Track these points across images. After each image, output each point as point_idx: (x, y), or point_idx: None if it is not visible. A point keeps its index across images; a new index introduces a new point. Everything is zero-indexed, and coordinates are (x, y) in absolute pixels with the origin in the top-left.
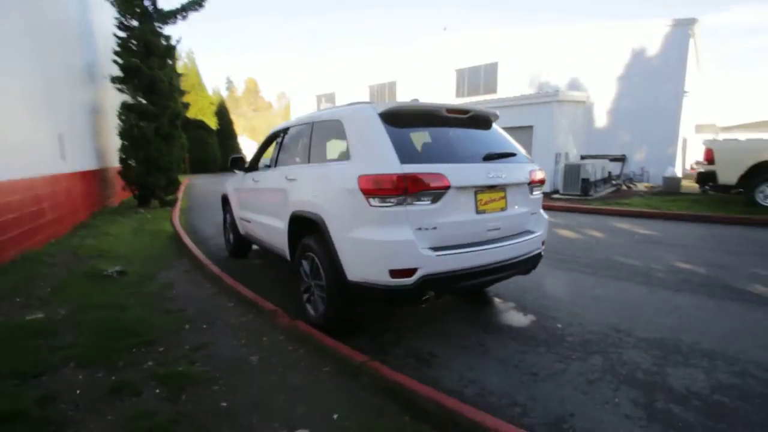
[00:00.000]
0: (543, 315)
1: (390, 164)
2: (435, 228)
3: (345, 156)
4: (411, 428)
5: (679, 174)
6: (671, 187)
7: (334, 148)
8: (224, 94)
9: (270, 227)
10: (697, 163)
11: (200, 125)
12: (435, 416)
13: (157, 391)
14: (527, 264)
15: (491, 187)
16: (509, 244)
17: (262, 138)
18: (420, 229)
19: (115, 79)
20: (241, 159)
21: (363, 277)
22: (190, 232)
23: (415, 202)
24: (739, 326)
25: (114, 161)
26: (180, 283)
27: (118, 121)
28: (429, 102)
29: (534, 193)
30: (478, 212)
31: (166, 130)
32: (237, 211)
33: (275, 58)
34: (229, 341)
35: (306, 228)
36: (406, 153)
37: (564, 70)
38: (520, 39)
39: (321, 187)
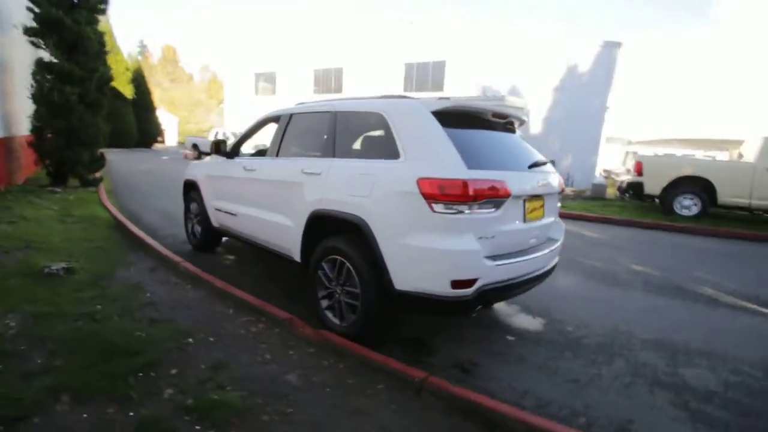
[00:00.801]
0: (549, 317)
1: (457, 168)
2: (494, 237)
3: (390, 154)
4: None
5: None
6: (599, 192)
7: (368, 143)
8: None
9: (270, 223)
10: (606, 170)
11: (114, 93)
12: None
13: (198, 427)
14: (552, 271)
15: (536, 196)
16: (545, 253)
17: (183, 112)
18: (481, 237)
19: (28, 31)
20: (225, 143)
21: (416, 286)
22: (132, 221)
23: (479, 210)
24: (711, 327)
25: (22, 129)
26: (151, 285)
27: (32, 82)
28: (476, 103)
29: (558, 201)
30: (525, 221)
31: (92, 98)
32: (211, 201)
33: (198, 26)
34: (250, 358)
35: (332, 229)
36: (467, 157)
37: (506, 75)
38: (468, 40)
39: (362, 186)
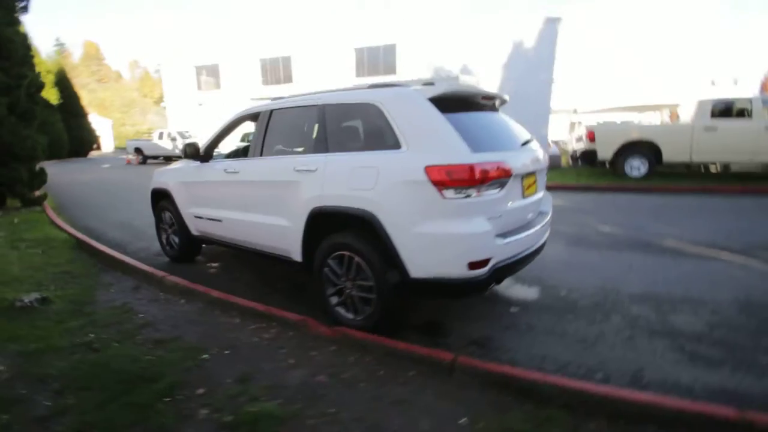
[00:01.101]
0: (542, 285)
1: (461, 153)
2: (500, 216)
3: (390, 144)
4: (545, 415)
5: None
6: (554, 162)
7: (364, 135)
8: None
9: (263, 226)
10: (554, 141)
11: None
12: (558, 398)
13: None
14: (545, 243)
15: (530, 173)
16: (542, 225)
17: (116, 114)
18: (491, 218)
19: None
20: (196, 146)
21: (433, 272)
22: (93, 239)
23: (487, 192)
24: (684, 276)
25: None
26: (140, 304)
27: None
28: (466, 86)
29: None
30: (524, 197)
31: (23, 107)
32: (189, 209)
33: (121, 19)
34: (274, 365)
35: (335, 225)
36: (469, 141)
37: (457, 56)
38: (417, 22)
39: (365, 180)
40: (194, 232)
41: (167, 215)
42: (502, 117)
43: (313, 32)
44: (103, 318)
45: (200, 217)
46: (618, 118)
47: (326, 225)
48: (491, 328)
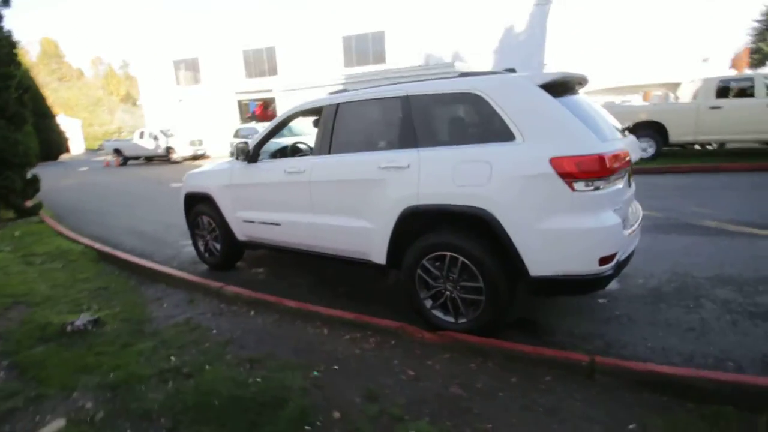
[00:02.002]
0: None
1: (590, 143)
2: (620, 208)
3: (501, 136)
4: (712, 412)
5: None
6: None
7: (464, 126)
8: None
9: (336, 228)
10: None
11: None
12: (716, 393)
13: None
14: None
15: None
16: (640, 217)
17: (83, 114)
18: (615, 210)
19: None
20: (248, 147)
21: (558, 270)
22: (113, 248)
23: (614, 183)
24: (742, 255)
25: None
26: (206, 320)
27: None
28: (567, 72)
29: None
30: (629, 188)
31: (12, 110)
32: (237, 213)
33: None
34: (394, 378)
35: (429, 225)
36: (590, 129)
37: (448, 42)
38: (406, 8)
39: (476, 175)
40: (241, 237)
41: (205, 220)
42: (591, 101)
43: (298, 21)
44: (173, 338)
45: (251, 222)
46: (599, 100)
47: (419, 225)
48: (591, 323)
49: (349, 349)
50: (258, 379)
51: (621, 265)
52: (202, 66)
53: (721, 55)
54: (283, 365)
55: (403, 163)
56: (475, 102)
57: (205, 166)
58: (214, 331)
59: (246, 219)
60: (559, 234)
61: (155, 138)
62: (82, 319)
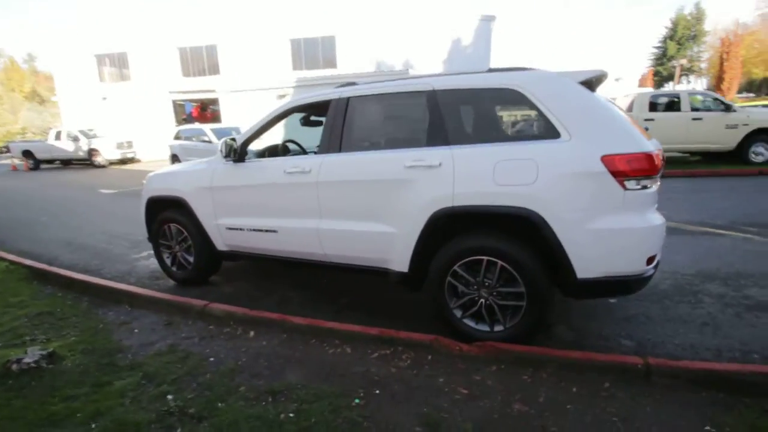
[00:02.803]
0: None
1: (639, 141)
2: (657, 206)
3: (545, 133)
4: None
5: None
6: None
7: (500, 123)
8: None
9: (351, 234)
10: None
11: None
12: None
13: None
14: None
15: None
16: None
17: None
18: (656, 209)
19: None
20: (235, 143)
21: (607, 271)
22: (47, 264)
23: (657, 181)
24: (713, 252)
25: None
26: (196, 346)
27: None
28: (602, 69)
29: None
30: None
31: None
32: (219, 220)
33: None
34: (447, 399)
35: (465, 227)
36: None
37: (399, 50)
38: (357, 15)
39: (521, 174)
40: (221, 247)
41: (174, 229)
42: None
43: (243, 20)
44: (160, 370)
45: (238, 229)
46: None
47: (451, 228)
48: (611, 323)
49: (384, 368)
50: (291, 415)
51: (657, 265)
52: (131, 62)
53: (630, 76)
54: (315, 395)
55: (434, 162)
56: (513, 98)
57: (171, 166)
58: (212, 359)
59: (231, 226)
60: (610, 234)
61: (75, 139)
62: (31, 355)
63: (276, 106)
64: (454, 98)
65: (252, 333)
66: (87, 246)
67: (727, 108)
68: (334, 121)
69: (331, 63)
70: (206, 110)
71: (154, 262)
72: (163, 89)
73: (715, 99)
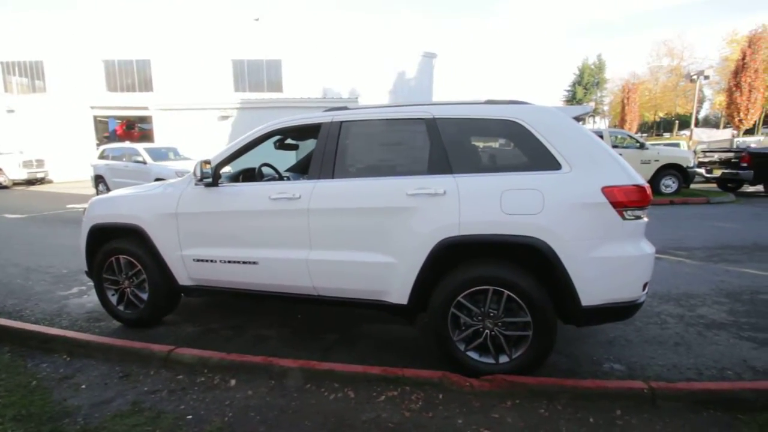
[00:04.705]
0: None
1: (632, 174)
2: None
3: (546, 165)
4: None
5: None
6: None
7: (501, 154)
8: None
9: (344, 265)
10: None
11: None
12: (755, 403)
13: None
14: None
15: None
16: None
17: None
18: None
19: None
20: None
21: (608, 298)
22: None
23: (646, 211)
24: (663, 275)
25: None
26: (165, 402)
27: None
28: (589, 106)
29: None
30: None
31: None
32: (184, 251)
33: None
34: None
35: (470, 257)
36: None
37: (346, 78)
38: (304, 41)
39: (528, 203)
40: (184, 281)
41: (123, 261)
42: None
43: (181, 36)
44: None
45: (208, 261)
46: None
47: (455, 258)
48: (598, 347)
49: (396, 413)
50: None
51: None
52: (48, 72)
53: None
54: None
55: (438, 190)
56: (514, 129)
57: (122, 189)
58: (190, 417)
59: (200, 257)
60: (612, 262)
61: None
62: None
63: (221, 127)
64: (455, 127)
65: (233, 381)
66: None
67: (641, 146)
68: (326, 145)
69: (276, 86)
70: (133, 128)
71: (89, 300)
72: (84, 104)
73: (631, 137)
